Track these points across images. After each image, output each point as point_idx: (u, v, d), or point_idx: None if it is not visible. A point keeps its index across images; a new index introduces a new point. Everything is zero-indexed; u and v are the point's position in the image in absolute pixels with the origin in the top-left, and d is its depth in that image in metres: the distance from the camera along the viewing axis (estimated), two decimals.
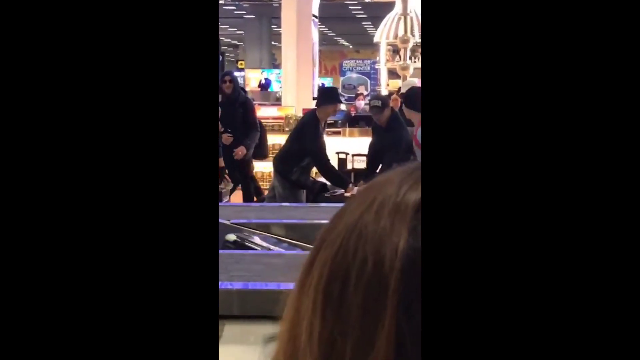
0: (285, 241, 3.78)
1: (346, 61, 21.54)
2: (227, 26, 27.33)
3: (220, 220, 4.05)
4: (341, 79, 20.11)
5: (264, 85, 19.39)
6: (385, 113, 6.48)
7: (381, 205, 0.48)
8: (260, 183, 8.14)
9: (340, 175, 6.59)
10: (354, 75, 19.66)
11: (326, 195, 6.36)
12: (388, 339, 0.45)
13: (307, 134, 6.32)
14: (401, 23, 12.70)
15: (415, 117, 5.64)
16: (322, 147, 6.37)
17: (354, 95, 15.55)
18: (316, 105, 6.59)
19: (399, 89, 10.86)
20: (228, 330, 2.74)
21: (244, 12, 24.24)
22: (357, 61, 21.16)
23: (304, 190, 6.44)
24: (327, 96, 6.60)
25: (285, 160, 6.44)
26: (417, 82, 9.81)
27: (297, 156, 6.36)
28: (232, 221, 4.02)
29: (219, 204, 5.82)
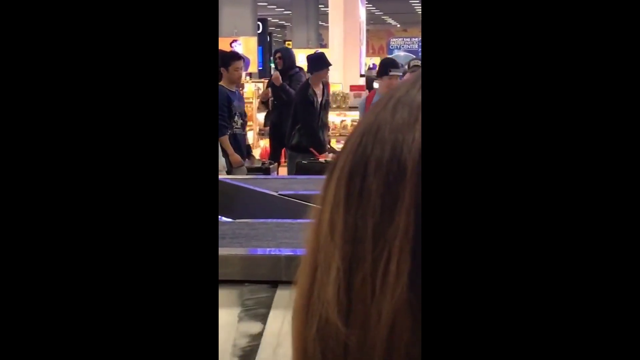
0: None
1: (393, 39, 21.43)
2: (275, 6, 27.29)
3: (267, 191, 4.11)
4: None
5: None
6: (384, 81, 7.18)
7: (396, 102, 0.52)
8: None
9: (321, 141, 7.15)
10: (402, 53, 19.55)
11: (303, 161, 6.68)
12: (407, 212, 0.48)
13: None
14: None
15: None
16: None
17: (401, 73, 15.50)
18: (309, 72, 7.32)
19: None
20: (278, 295, 2.81)
21: None
22: (404, 39, 21.03)
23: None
24: (317, 63, 7.27)
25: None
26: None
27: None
28: (279, 192, 4.08)
29: (268, 176, 5.91)
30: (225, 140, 6.04)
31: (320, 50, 19.41)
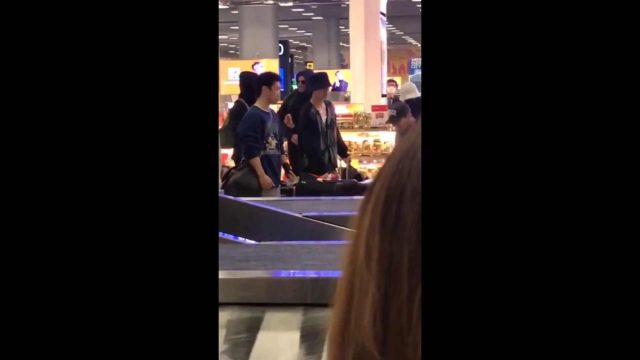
0: None
1: (414, 59, 21.47)
2: (296, 28, 27.44)
3: (291, 213, 4.11)
4: (410, 76, 20.03)
5: (338, 88, 19.06)
6: (406, 119, 7.15)
7: None
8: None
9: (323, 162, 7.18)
10: None
11: (303, 182, 6.78)
12: None
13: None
14: None
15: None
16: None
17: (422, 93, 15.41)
18: (310, 90, 7.33)
19: (395, 96, 10.74)
20: (303, 318, 2.79)
21: (312, 14, 24.31)
22: None
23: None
24: (317, 81, 7.31)
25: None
26: (415, 87, 9.51)
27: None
28: (303, 214, 4.07)
29: (291, 198, 5.91)
30: (256, 162, 6.06)
31: (342, 70, 19.40)
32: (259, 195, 5.83)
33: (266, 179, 6.10)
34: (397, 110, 7.54)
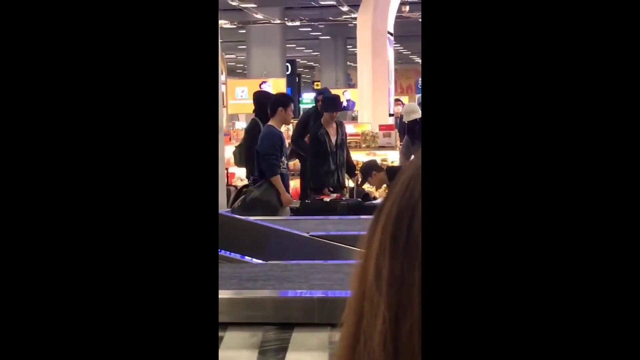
0: None
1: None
2: (304, 48, 27.55)
3: (299, 232, 4.10)
4: (417, 96, 20.07)
5: (346, 107, 19.01)
6: (373, 179, 7.30)
7: None
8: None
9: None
10: None
11: (307, 201, 6.91)
12: None
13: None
14: None
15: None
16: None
17: None
18: (322, 110, 7.35)
19: (401, 115, 10.77)
20: (311, 338, 2.78)
21: (320, 34, 24.42)
22: None
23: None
24: (330, 104, 7.35)
25: None
26: (418, 107, 9.49)
27: None
28: (311, 234, 4.07)
29: (299, 217, 5.92)
30: (278, 179, 6.21)
31: (349, 90, 19.44)
32: (277, 212, 5.87)
33: (287, 196, 6.27)
34: (362, 172, 7.65)
